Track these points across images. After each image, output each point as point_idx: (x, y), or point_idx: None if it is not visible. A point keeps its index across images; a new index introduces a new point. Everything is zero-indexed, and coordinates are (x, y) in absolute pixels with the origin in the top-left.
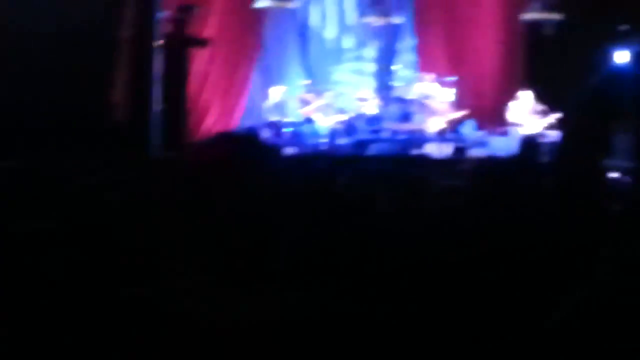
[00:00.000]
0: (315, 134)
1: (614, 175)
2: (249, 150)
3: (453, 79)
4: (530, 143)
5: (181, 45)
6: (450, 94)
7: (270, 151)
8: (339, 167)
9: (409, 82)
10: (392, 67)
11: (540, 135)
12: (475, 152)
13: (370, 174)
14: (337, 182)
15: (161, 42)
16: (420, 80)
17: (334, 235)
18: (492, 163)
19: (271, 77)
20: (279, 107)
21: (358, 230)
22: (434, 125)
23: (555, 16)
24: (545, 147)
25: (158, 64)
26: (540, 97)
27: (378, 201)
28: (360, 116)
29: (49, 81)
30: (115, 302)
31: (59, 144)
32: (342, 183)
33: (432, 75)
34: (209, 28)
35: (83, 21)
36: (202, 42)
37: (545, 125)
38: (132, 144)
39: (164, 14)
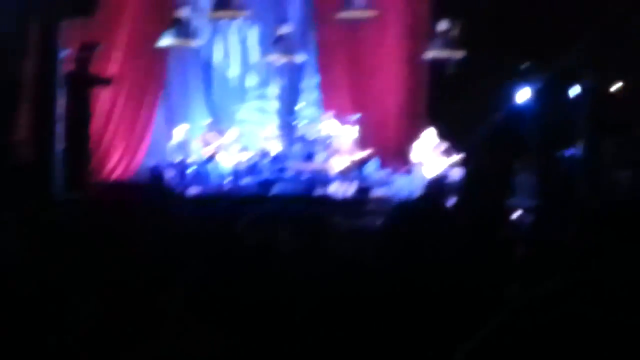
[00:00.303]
0: (219, 174)
1: (517, 214)
2: (150, 197)
3: (356, 117)
4: (435, 184)
5: (84, 84)
6: (354, 132)
7: (171, 195)
8: (241, 208)
9: (313, 120)
10: (296, 106)
11: (444, 175)
12: (378, 192)
13: (274, 215)
14: (239, 224)
15: (64, 80)
16: (324, 118)
17: (235, 277)
18: (397, 205)
19: (175, 116)
20: (183, 146)
21: (260, 272)
22: (337, 164)
23: (457, 54)
24: (450, 186)
25: (61, 103)
26: (443, 135)
27: (281, 243)
28: (264, 155)
29: None
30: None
31: None
32: (244, 225)
33: (336, 114)
34: (112, 67)
35: None
36: (105, 81)
37: (449, 164)
38: (36, 183)
39: (66, 53)
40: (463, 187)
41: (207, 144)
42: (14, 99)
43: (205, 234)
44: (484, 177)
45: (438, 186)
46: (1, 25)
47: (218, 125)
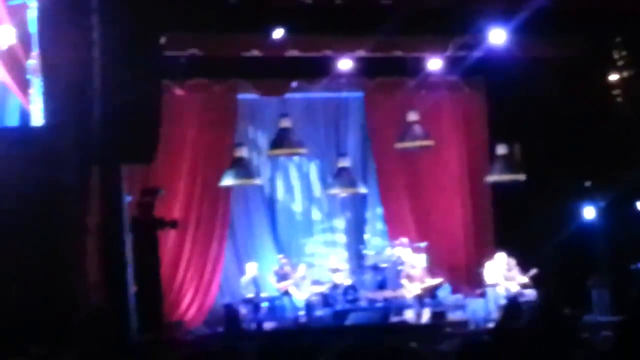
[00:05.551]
0: (293, 307)
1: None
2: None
3: (423, 244)
4: (512, 308)
5: (149, 228)
6: (422, 259)
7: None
8: (320, 341)
9: (381, 250)
10: (363, 236)
11: (519, 294)
12: (454, 316)
13: (353, 347)
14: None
15: (130, 225)
16: (392, 247)
17: None
18: (476, 336)
19: (243, 253)
20: (255, 282)
21: None
22: (410, 291)
23: (519, 176)
24: (525, 306)
25: (129, 248)
26: (513, 256)
27: None
28: (335, 287)
29: (20, 271)
30: None
31: (33, 335)
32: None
33: (404, 241)
34: (176, 209)
35: (51, 208)
36: (171, 224)
37: (522, 284)
38: (111, 327)
39: (129, 199)
40: (537, 307)
41: (282, 277)
42: (83, 246)
43: None
44: (557, 297)
45: (515, 309)
46: (64, 173)
47: (289, 259)
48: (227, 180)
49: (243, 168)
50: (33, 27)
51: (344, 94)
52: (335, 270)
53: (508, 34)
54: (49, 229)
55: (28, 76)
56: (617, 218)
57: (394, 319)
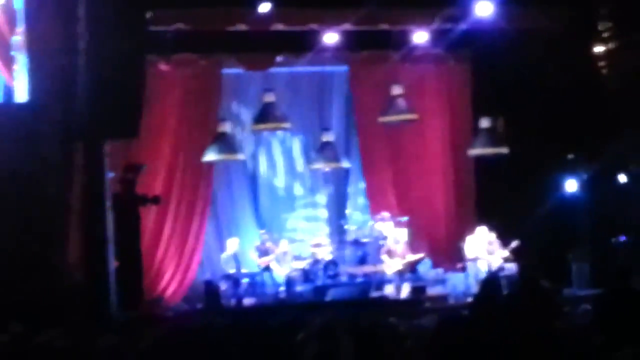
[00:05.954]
0: (273, 283)
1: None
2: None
3: (405, 219)
4: (490, 282)
5: (131, 204)
6: (404, 234)
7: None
8: (299, 317)
9: (362, 224)
10: (345, 211)
11: (500, 268)
12: (434, 291)
13: (332, 323)
14: (299, 335)
15: (112, 202)
16: (373, 221)
17: None
18: (454, 311)
19: (225, 229)
20: (236, 258)
21: None
22: (391, 266)
23: (501, 150)
24: (504, 280)
25: (111, 224)
26: (494, 230)
27: (342, 354)
28: (316, 262)
29: (1, 247)
30: None
31: (14, 313)
32: (304, 335)
33: (386, 216)
34: (158, 185)
35: (34, 185)
36: (153, 200)
37: (503, 258)
38: (91, 305)
39: (111, 175)
40: (517, 281)
41: (263, 253)
42: (63, 222)
43: (265, 346)
44: (535, 269)
45: (493, 285)
46: (47, 150)
47: (270, 234)
48: (210, 156)
49: (226, 143)
50: (18, 3)
51: (329, 68)
52: (316, 246)
53: (494, 6)
54: (31, 205)
55: (12, 52)
56: (599, 191)
57: (374, 294)
